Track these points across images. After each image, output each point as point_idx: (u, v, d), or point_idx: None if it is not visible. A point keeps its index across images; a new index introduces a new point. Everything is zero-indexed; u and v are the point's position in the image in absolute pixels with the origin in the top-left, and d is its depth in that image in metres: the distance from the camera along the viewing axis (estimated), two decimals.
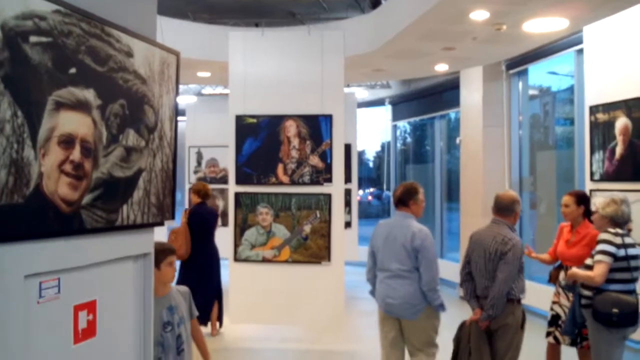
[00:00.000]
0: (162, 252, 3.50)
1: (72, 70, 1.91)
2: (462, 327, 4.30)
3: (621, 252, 4.00)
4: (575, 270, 4.28)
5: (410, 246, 4.22)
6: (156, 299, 3.45)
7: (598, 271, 4.01)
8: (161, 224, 2.49)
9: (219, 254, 6.93)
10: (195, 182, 7.49)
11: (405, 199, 4.42)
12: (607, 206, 4.18)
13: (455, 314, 4.55)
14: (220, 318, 7.04)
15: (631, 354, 6.10)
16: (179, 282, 6.32)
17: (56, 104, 1.84)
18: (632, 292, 4.04)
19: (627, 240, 4.08)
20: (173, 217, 2.61)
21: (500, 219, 4.29)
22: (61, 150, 1.87)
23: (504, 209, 4.29)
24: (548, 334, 4.91)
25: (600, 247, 4.07)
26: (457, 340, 4.29)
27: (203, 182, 7.34)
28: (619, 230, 4.10)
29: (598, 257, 4.04)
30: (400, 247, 4.26)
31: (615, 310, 3.95)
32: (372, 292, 4.67)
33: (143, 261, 2.39)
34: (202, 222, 6.71)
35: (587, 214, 4.66)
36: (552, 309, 4.93)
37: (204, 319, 6.87)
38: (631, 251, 4.03)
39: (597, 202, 4.31)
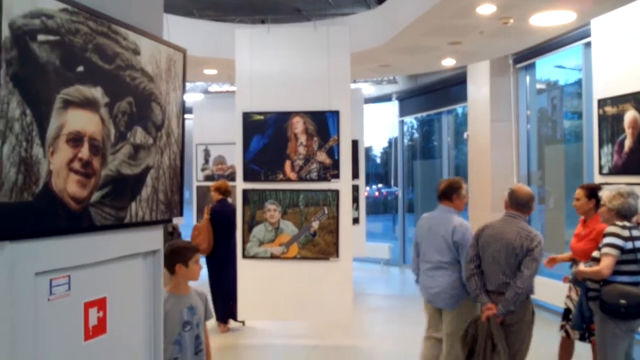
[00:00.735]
0: (190, 250, 3.56)
1: (80, 69, 1.92)
2: (476, 323, 4.25)
3: (629, 245, 3.99)
4: (581, 268, 4.29)
5: (450, 239, 4.25)
6: (179, 297, 3.51)
7: (604, 264, 4.00)
8: (169, 221, 2.50)
9: None
10: (217, 180, 7.68)
11: (449, 194, 4.45)
12: (614, 199, 4.16)
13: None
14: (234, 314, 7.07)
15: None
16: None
17: (64, 102, 1.85)
18: (637, 283, 4.02)
19: (635, 232, 4.07)
20: (181, 214, 2.61)
21: (517, 214, 4.24)
22: (70, 148, 1.88)
23: (523, 204, 4.25)
24: (561, 327, 4.92)
25: (607, 240, 4.05)
26: (473, 338, 4.23)
27: (224, 180, 7.47)
28: (627, 223, 4.09)
29: (605, 249, 4.03)
30: (441, 239, 4.31)
31: (623, 301, 3.93)
32: (417, 281, 4.73)
33: (152, 258, 2.40)
34: (224, 218, 6.80)
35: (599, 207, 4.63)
36: (565, 303, 4.93)
37: (227, 314, 6.93)
38: (638, 244, 4.02)
39: (604, 195, 4.28)
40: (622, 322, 4.02)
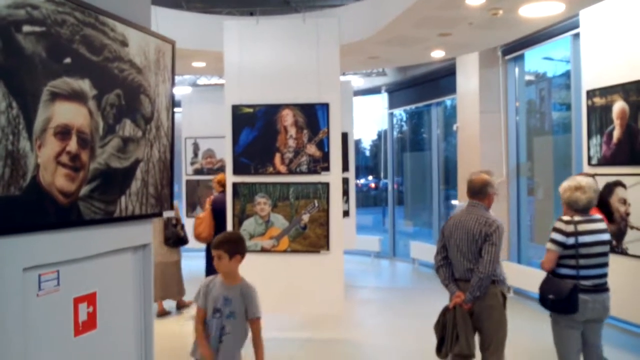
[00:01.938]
0: (243, 242, 3.81)
1: (67, 60, 1.89)
2: (446, 312, 4.31)
3: (570, 241, 4.04)
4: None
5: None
6: (222, 284, 3.72)
7: (545, 259, 4.17)
8: (159, 214, 2.47)
9: None
10: (218, 174, 7.83)
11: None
12: (564, 192, 4.22)
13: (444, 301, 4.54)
14: None
15: (633, 338, 6.14)
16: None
17: (51, 94, 1.82)
18: (578, 277, 4.02)
19: (582, 227, 4.06)
20: (172, 208, 2.59)
21: (476, 202, 4.36)
22: (57, 142, 1.85)
23: (477, 192, 4.36)
24: None
25: (551, 235, 4.15)
26: (442, 327, 4.29)
27: (224, 174, 7.62)
28: (577, 217, 4.10)
29: (547, 245, 4.16)
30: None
31: (551, 296, 4.07)
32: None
33: (142, 252, 2.38)
34: (224, 208, 6.86)
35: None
36: None
37: None
38: (583, 239, 4.04)
39: (561, 186, 4.31)
40: (558, 315, 4.12)
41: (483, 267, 4.12)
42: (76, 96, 1.93)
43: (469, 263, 4.24)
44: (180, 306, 7.88)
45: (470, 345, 4.16)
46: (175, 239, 7.58)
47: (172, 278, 7.64)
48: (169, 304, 7.83)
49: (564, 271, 4.09)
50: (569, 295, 3.98)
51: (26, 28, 1.72)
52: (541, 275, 4.32)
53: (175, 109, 2.63)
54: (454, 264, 4.36)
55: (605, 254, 4.12)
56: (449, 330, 4.23)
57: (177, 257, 7.75)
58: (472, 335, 4.21)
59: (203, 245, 7.23)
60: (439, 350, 4.32)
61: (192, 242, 7.71)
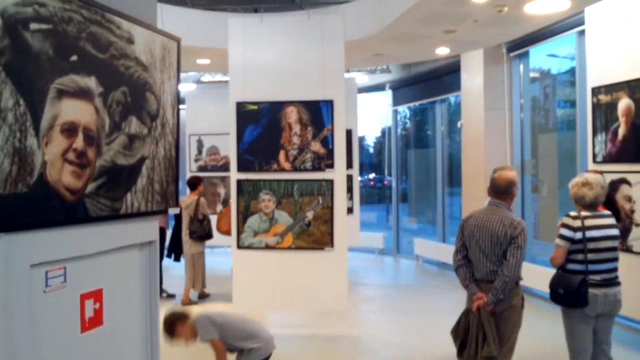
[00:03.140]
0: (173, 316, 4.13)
1: (74, 58, 1.89)
2: (468, 314, 4.24)
3: (578, 235, 4.05)
4: None
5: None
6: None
7: (554, 254, 4.18)
8: (165, 211, 2.48)
9: None
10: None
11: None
12: (572, 187, 4.23)
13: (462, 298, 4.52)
14: None
15: (632, 335, 6.13)
16: None
17: (58, 92, 1.82)
18: (587, 272, 4.04)
19: (590, 222, 4.08)
20: (177, 205, 2.59)
21: (499, 202, 4.24)
22: (64, 139, 1.85)
23: (502, 192, 4.24)
24: None
25: (559, 231, 4.16)
26: (465, 329, 4.22)
27: None
28: (584, 212, 4.12)
29: (556, 240, 4.17)
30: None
31: (560, 290, 4.09)
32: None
33: (148, 249, 2.38)
34: None
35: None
36: None
37: None
38: (590, 233, 4.06)
39: (571, 180, 4.32)
40: (570, 309, 4.13)
41: (508, 271, 4.02)
42: (83, 93, 1.93)
43: (492, 265, 4.12)
44: (202, 296, 8.30)
45: (497, 346, 4.12)
46: (200, 233, 8.03)
47: (197, 269, 8.17)
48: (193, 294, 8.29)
49: (573, 266, 4.10)
50: (579, 287, 3.99)
51: (33, 26, 1.73)
52: (545, 272, 4.33)
53: (180, 106, 2.63)
54: (475, 264, 4.23)
55: (614, 249, 4.13)
56: (472, 333, 4.12)
57: (201, 249, 8.23)
58: (497, 336, 4.11)
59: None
60: (461, 353, 4.23)
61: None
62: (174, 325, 3.95)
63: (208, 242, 8.43)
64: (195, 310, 4.41)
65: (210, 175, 11.31)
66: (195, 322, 4.07)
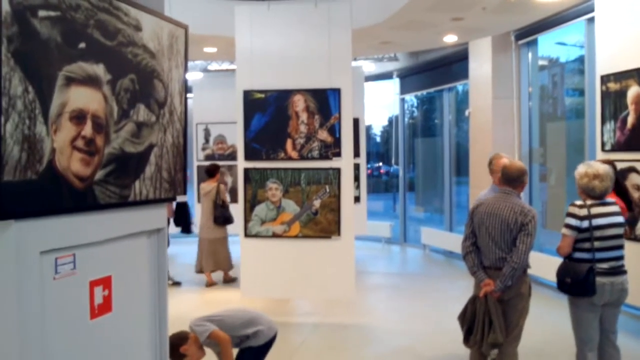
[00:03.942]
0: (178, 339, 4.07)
1: (82, 45, 1.89)
2: (475, 301, 4.26)
3: (584, 224, 4.06)
4: None
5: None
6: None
7: (561, 243, 4.17)
8: (173, 199, 2.48)
9: None
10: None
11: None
12: (581, 178, 4.20)
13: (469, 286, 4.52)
14: None
15: (633, 321, 6.12)
16: None
17: (67, 79, 1.82)
18: (594, 260, 4.04)
19: (596, 210, 4.09)
20: (185, 193, 2.60)
21: (510, 190, 4.28)
22: (73, 126, 1.86)
23: (514, 180, 4.27)
24: None
25: (565, 220, 4.16)
26: (472, 315, 4.25)
27: None
28: (590, 201, 4.13)
29: (562, 230, 4.17)
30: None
31: (567, 279, 4.09)
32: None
33: (157, 236, 2.39)
34: None
35: (616, 186, 4.59)
36: None
37: None
38: (597, 221, 4.06)
39: (577, 170, 4.29)
40: (577, 298, 4.12)
41: (517, 257, 4.06)
42: (91, 81, 1.93)
43: (502, 252, 4.16)
44: (227, 280, 8.52)
45: (503, 333, 4.13)
46: (223, 218, 8.33)
47: (221, 253, 8.43)
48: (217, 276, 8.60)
49: (580, 255, 4.10)
50: (586, 276, 3.99)
51: (42, 13, 1.72)
52: (553, 260, 4.32)
53: (187, 95, 2.63)
54: (484, 251, 4.27)
55: (620, 236, 4.13)
56: (479, 319, 4.16)
57: (225, 234, 8.52)
58: (503, 323, 4.15)
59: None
60: (467, 339, 4.28)
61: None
62: (177, 349, 3.89)
63: None
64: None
65: (217, 164, 11.32)
66: (192, 330, 4.08)
